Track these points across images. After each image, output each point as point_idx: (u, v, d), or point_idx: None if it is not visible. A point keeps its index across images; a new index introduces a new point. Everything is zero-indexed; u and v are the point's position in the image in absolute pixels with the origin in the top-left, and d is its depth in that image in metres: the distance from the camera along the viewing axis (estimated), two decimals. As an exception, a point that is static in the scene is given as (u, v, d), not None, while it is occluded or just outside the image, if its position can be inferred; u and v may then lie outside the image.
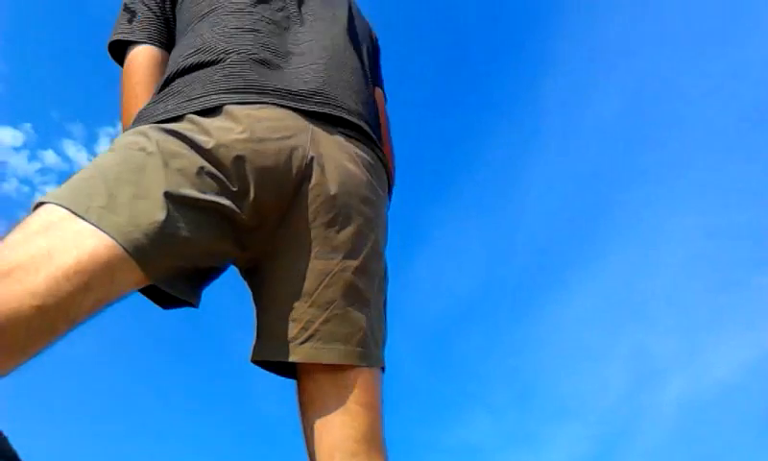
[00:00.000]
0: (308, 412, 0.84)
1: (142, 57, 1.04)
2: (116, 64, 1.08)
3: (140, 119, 0.88)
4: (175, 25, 1.08)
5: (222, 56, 0.93)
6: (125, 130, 0.92)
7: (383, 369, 0.89)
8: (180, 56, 0.96)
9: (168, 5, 1.09)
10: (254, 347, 0.86)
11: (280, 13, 1.03)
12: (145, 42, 1.05)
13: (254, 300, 0.93)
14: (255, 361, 0.86)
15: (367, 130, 0.97)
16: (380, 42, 1.32)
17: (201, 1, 1.04)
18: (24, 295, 0.64)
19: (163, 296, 0.85)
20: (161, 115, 0.85)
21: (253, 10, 1.01)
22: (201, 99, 0.86)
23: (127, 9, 1.09)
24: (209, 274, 0.89)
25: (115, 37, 1.06)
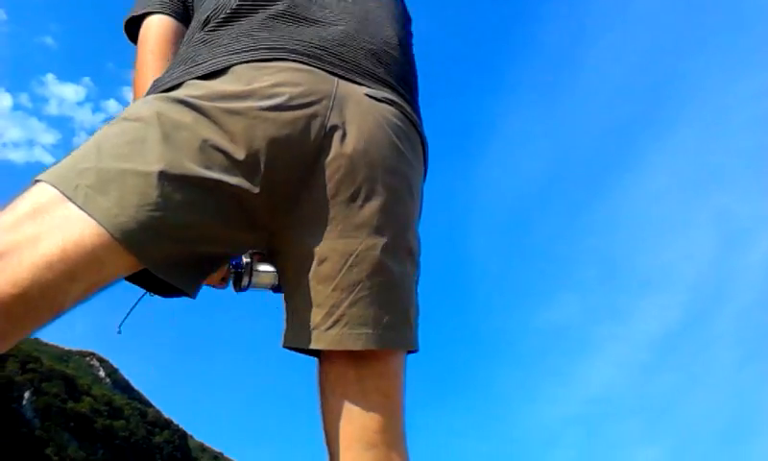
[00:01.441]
0: (329, 399, 0.81)
1: (156, 25, 1.00)
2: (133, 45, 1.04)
3: (150, 90, 0.85)
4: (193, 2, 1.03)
5: (232, 17, 0.87)
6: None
7: (416, 351, 0.85)
8: (194, 22, 0.93)
9: None
10: (284, 333, 0.83)
11: None
12: (159, 12, 1.00)
13: (281, 282, 0.90)
14: (286, 347, 0.84)
15: (393, 96, 0.88)
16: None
17: None
18: (5, 284, 0.63)
19: (160, 283, 0.80)
20: (167, 83, 0.81)
21: None
22: (208, 63, 0.81)
23: None
24: (216, 259, 0.83)
25: (128, 16, 1.02)
